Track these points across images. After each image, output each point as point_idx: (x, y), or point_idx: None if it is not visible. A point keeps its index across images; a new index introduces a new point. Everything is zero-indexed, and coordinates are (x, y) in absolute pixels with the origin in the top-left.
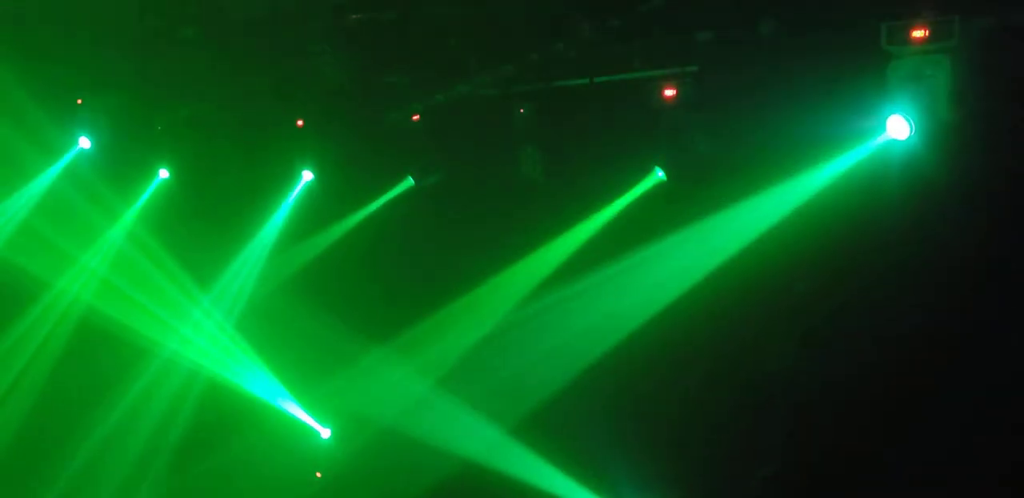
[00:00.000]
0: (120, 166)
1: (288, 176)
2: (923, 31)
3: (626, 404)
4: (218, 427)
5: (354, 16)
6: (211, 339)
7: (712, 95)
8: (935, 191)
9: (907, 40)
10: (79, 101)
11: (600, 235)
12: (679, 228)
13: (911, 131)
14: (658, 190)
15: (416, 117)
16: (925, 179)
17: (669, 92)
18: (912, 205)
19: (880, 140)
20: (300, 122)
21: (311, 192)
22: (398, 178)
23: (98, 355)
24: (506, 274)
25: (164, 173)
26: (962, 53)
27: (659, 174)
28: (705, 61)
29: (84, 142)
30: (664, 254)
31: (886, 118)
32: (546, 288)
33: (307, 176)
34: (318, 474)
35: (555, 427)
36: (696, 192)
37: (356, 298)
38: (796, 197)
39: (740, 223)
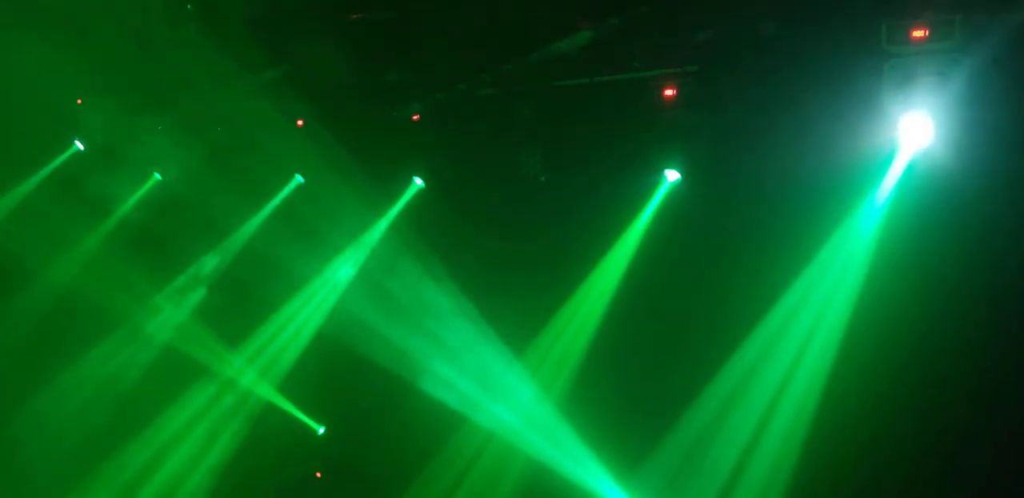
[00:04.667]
0: (117, 167)
1: (287, 176)
2: (923, 31)
3: None
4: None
5: (354, 15)
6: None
7: (712, 95)
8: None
9: (907, 40)
10: (79, 101)
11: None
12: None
13: (932, 135)
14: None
15: (416, 117)
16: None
17: (669, 92)
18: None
19: (903, 148)
20: (300, 122)
21: (310, 192)
22: (400, 178)
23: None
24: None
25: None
26: (965, 52)
27: (669, 178)
28: (705, 61)
29: (79, 144)
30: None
31: (892, 120)
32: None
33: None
34: (318, 474)
35: None
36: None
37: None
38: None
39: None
